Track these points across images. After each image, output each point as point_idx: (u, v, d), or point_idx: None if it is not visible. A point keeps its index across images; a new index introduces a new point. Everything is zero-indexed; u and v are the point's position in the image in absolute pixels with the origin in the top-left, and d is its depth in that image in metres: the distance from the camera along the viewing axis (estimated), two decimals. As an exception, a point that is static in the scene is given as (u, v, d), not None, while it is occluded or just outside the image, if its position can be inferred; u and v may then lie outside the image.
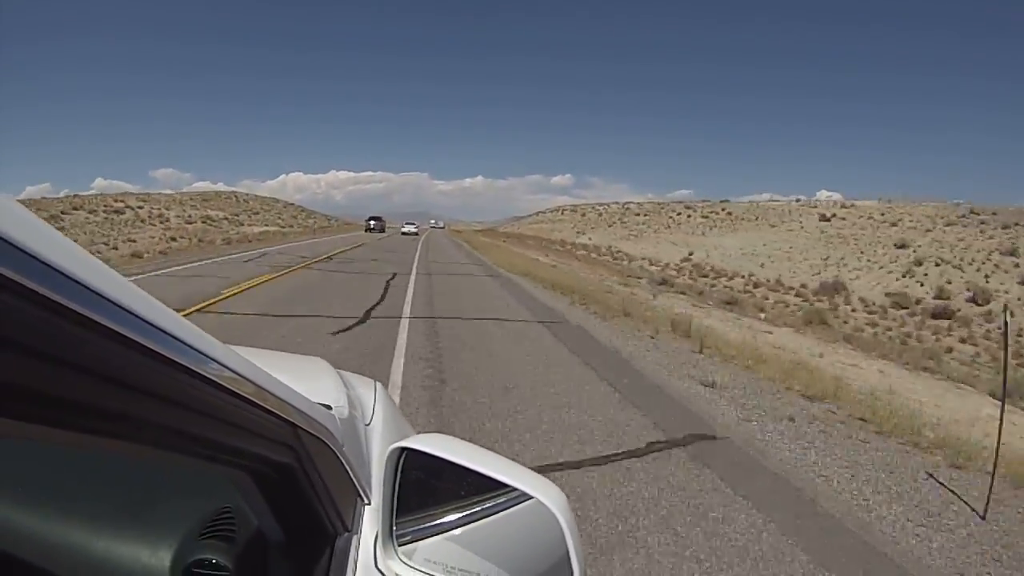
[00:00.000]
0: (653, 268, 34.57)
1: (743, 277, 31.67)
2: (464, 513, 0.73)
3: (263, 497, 0.61)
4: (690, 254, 40.95)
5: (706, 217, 62.82)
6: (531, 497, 0.69)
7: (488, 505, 0.72)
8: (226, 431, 0.47)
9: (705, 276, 32.08)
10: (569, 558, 0.67)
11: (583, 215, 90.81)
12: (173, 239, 24.84)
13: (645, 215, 74.12)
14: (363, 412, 1.08)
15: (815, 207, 55.83)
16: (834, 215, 48.18)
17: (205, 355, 0.40)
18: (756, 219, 54.76)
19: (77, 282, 0.29)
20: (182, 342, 0.37)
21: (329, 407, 0.80)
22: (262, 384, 0.50)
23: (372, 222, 45.80)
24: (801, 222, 48.87)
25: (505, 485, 0.70)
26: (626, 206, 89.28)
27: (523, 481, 0.70)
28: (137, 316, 0.33)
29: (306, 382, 0.84)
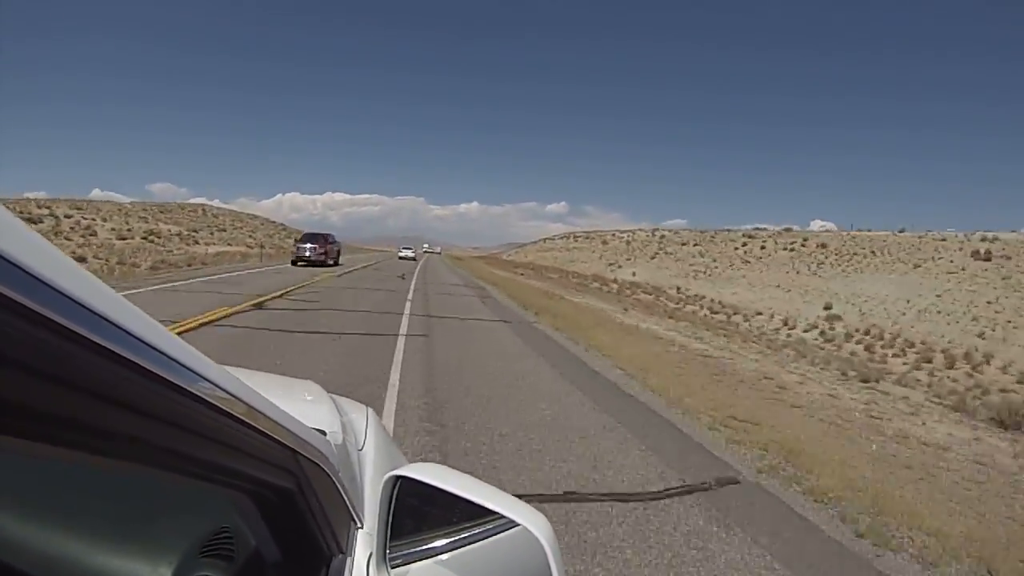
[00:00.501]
0: (804, 335, 20.66)
1: (1000, 366, 17.66)
2: (454, 539, 0.80)
3: (262, 519, 0.67)
4: (827, 307, 26.96)
5: (791, 250, 50.49)
6: (517, 524, 0.76)
7: (476, 531, 0.79)
8: (223, 453, 0.49)
9: (929, 361, 18.23)
10: None
11: (604, 243, 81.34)
12: (81, 259, 19.92)
13: (695, 244, 65.38)
14: (356, 437, 1.15)
15: (943, 240, 42.26)
16: (988, 252, 34.39)
17: (199, 375, 0.42)
18: (876, 254, 41.52)
19: (68, 297, 0.29)
20: (176, 361, 0.39)
21: (324, 432, 0.88)
22: (258, 407, 0.54)
23: (307, 246, 23.59)
24: (951, 260, 35.27)
25: (493, 513, 0.77)
26: (659, 233, 79.32)
27: (510, 509, 0.77)
28: (129, 333, 0.34)
29: (301, 406, 0.90)
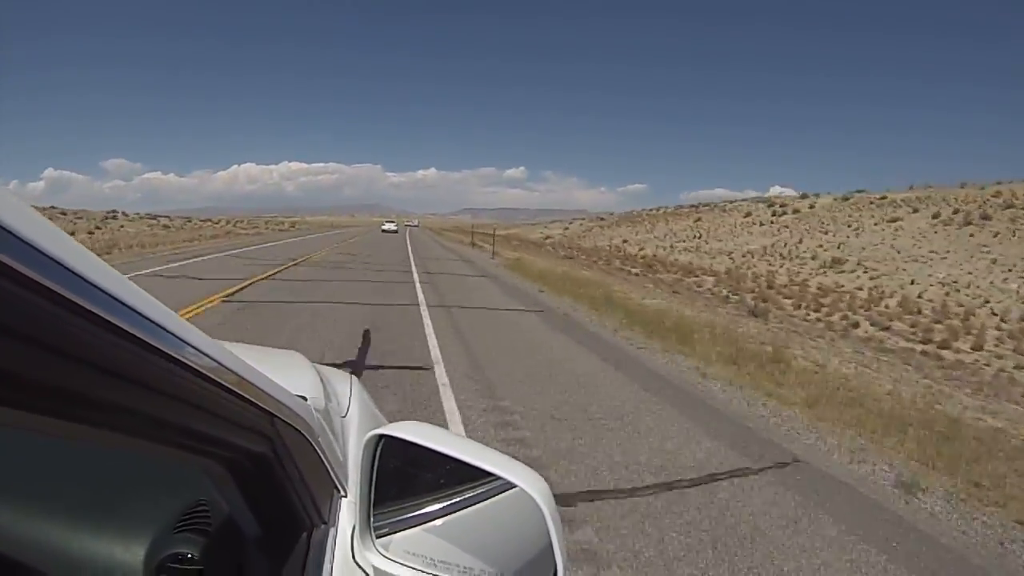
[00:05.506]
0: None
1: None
2: (445, 503, 0.75)
3: (238, 489, 0.65)
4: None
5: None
6: (513, 486, 0.72)
7: (468, 495, 0.75)
8: (200, 418, 0.48)
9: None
10: (552, 548, 0.69)
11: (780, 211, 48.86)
12: None
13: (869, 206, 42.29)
14: (339, 404, 1.12)
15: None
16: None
17: (182, 340, 0.42)
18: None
19: (55, 260, 0.29)
20: (159, 326, 0.39)
21: (305, 398, 0.85)
22: (239, 372, 0.54)
23: None
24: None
25: (486, 474, 0.73)
26: (775, 204, 48.45)
27: (505, 469, 0.73)
28: (114, 297, 0.34)
29: (282, 373, 0.88)
